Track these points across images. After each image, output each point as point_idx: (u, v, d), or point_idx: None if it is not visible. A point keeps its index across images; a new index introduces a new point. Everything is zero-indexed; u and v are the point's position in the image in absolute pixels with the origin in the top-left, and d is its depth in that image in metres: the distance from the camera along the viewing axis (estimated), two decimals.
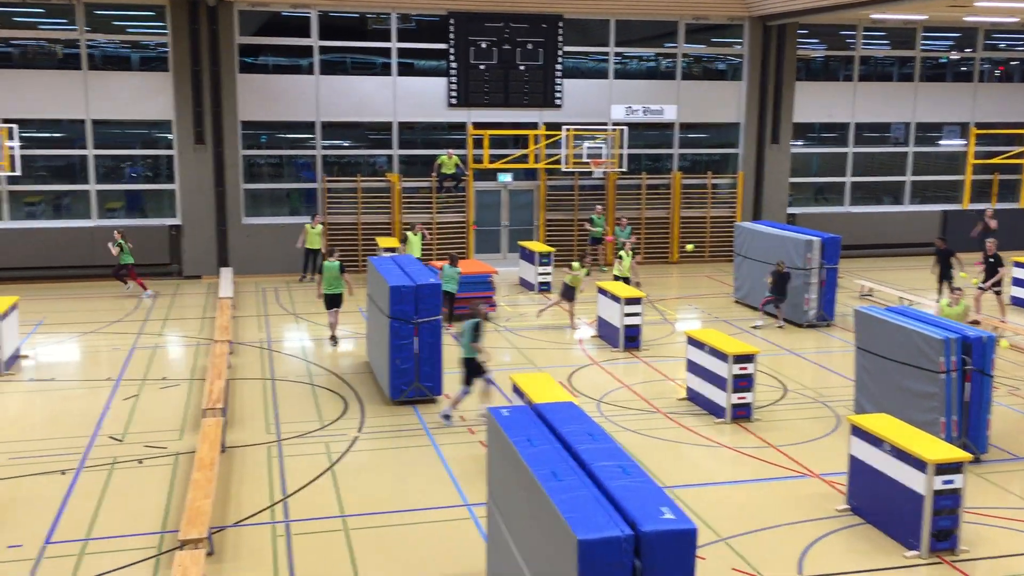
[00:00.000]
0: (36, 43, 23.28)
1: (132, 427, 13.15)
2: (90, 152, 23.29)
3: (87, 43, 22.93)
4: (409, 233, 21.75)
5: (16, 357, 16.15)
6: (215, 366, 14.11)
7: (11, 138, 21.75)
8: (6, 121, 22.04)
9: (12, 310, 15.93)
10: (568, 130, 24.97)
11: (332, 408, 14.07)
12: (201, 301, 21.34)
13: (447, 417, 13.33)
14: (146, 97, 23.34)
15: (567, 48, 25.45)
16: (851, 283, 22.84)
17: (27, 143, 22.61)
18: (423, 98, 24.90)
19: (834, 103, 27.66)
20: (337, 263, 17.32)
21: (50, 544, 9.67)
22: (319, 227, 22.98)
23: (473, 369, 13.33)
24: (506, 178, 25.68)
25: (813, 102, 27.36)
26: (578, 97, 25.73)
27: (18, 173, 22.07)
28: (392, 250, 21.75)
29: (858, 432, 10.37)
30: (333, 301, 17.46)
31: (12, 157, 21.79)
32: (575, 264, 19.03)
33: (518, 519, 7.56)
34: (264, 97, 23.97)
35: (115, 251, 21.29)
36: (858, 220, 27.85)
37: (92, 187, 23.45)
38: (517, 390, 12.06)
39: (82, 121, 23.12)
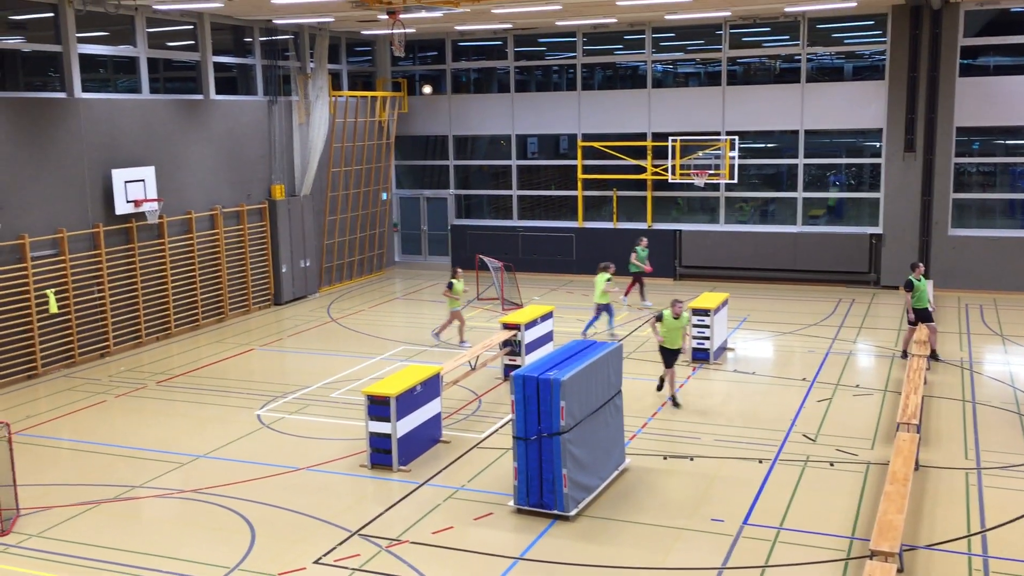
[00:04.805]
0: (758, 60, 25.10)
1: (824, 429, 13.43)
2: (800, 161, 24.35)
3: (806, 57, 23.97)
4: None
5: (723, 348, 17.67)
6: (911, 380, 13.65)
7: (732, 149, 23.90)
8: (729, 133, 24.29)
9: (723, 306, 17.48)
10: None
11: None
12: (897, 312, 20.85)
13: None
14: (858, 106, 23.55)
15: None
16: None
17: (743, 153, 24.56)
18: None
19: None
20: (925, 280, 17.01)
21: (747, 525, 10.39)
22: None
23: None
24: None
25: None
26: None
27: (735, 181, 24.19)
28: None
29: None
30: (923, 316, 16.96)
31: (732, 167, 23.96)
32: None
33: None
34: (983, 101, 22.38)
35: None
36: None
37: (799, 195, 24.50)
38: None
39: (795, 132, 24.28)
